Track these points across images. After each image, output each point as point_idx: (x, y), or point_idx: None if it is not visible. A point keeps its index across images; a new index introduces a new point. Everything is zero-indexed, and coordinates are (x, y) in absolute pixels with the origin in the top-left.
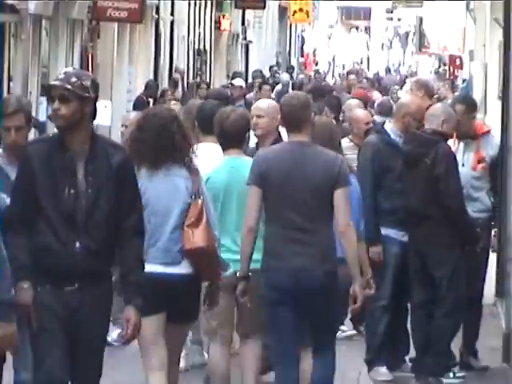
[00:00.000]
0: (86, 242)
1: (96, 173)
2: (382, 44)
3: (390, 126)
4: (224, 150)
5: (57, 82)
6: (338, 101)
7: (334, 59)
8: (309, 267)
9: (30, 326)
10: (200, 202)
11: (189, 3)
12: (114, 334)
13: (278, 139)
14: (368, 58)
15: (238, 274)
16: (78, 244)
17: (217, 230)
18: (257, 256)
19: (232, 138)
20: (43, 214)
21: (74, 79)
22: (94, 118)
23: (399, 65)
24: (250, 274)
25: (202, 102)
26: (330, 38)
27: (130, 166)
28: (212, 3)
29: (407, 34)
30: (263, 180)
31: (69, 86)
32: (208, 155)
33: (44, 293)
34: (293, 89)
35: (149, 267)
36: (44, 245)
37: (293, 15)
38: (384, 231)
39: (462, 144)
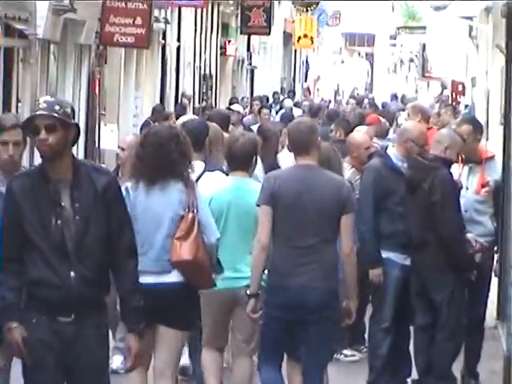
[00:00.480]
0: (80, 270)
1: (82, 199)
2: (388, 69)
3: (392, 151)
4: (231, 171)
5: (42, 112)
6: (348, 123)
7: (338, 86)
8: (312, 285)
9: (23, 364)
10: (191, 215)
11: (195, 29)
12: (116, 360)
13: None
14: (372, 84)
15: (247, 292)
16: (72, 274)
17: (214, 236)
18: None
19: (239, 161)
20: (34, 247)
21: (57, 107)
22: (73, 144)
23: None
24: (259, 292)
25: (187, 120)
26: (335, 64)
27: (116, 187)
28: (218, 29)
29: (411, 59)
30: (274, 200)
31: (55, 115)
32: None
33: (39, 325)
34: (310, 112)
35: (140, 279)
36: (38, 277)
37: (297, 41)
38: (385, 254)
39: (466, 168)
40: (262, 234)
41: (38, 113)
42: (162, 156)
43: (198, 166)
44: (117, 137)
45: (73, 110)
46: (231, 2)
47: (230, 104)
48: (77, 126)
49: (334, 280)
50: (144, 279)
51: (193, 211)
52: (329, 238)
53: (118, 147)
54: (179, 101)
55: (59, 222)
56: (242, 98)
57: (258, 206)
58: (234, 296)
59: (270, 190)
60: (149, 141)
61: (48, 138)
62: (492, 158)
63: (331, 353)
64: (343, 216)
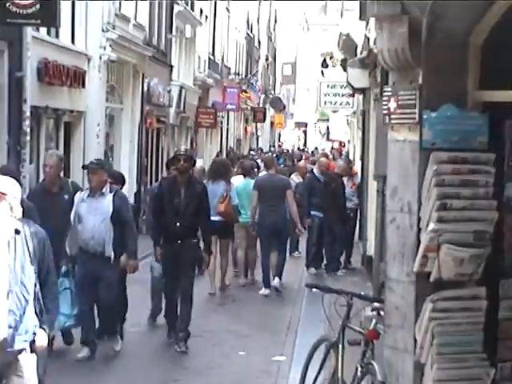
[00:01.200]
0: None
1: (191, 193)
2: (313, 136)
3: (315, 170)
4: (244, 176)
5: (182, 152)
6: (293, 158)
7: (293, 144)
8: (277, 220)
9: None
10: (226, 194)
11: (234, 120)
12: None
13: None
14: (306, 142)
15: (249, 223)
16: (178, 224)
17: (235, 202)
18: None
19: (246, 172)
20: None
21: (185, 151)
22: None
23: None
24: (254, 223)
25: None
26: (292, 134)
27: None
28: (243, 120)
29: (322, 132)
30: (259, 188)
31: (188, 153)
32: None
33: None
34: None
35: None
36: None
37: (276, 125)
38: (313, 212)
39: (345, 178)
40: (253, 202)
41: (181, 153)
42: (220, 170)
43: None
44: (202, 163)
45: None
46: (249, 109)
47: (250, 151)
48: (190, 162)
49: (284, 217)
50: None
51: (227, 192)
52: (282, 201)
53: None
54: (228, 150)
55: (178, 200)
56: (255, 148)
57: (253, 190)
58: (245, 226)
59: (257, 184)
60: (216, 162)
61: (184, 164)
62: (356, 173)
63: (286, 242)
64: (287, 191)
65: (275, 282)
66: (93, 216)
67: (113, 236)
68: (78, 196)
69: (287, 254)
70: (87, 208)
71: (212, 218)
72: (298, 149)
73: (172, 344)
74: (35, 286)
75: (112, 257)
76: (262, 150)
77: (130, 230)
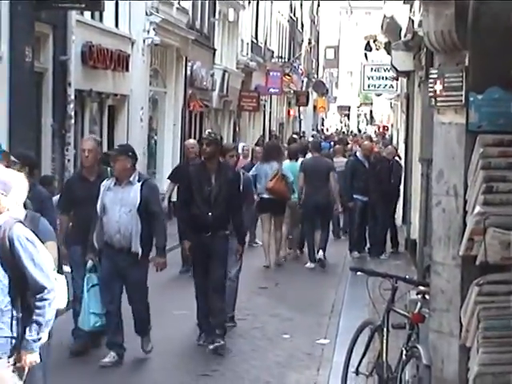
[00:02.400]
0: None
1: (222, 181)
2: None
3: (358, 153)
4: (290, 159)
5: (206, 136)
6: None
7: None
8: (320, 199)
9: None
10: (277, 172)
11: (277, 103)
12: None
13: None
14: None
15: (295, 202)
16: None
17: (290, 179)
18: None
19: (292, 155)
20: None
21: (212, 135)
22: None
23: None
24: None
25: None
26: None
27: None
28: (285, 103)
29: (365, 115)
30: (305, 170)
31: (210, 138)
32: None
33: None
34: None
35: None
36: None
37: (318, 109)
38: (355, 196)
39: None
40: (300, 181)
41: (203, 136)
42: (272, 152)
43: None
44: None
45: (221, 139)
46: (292, 92)
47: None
48: (216, 144)
49: (327, 197)
50: (264, 195)
51: (278, 171)
52: (325, 182)
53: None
54: (270, 133)
55: (209, 189)
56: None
57: (300, 171)
58: (289, 205)
59: (303, 165)
60: (269, 144)
61: (207, 148)
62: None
63: (329, 221)
64: (330, 173)
65: (320, 254)
66: (118, 207)
67: (140, 230)
68: (104, 184)
69: (338, 236)
70: (113, 198)
71: (266, 196)
72: (343, 133)
73: (203, 346)
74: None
75: (140, 253)
76: (304, 134)
77: (159, 224)
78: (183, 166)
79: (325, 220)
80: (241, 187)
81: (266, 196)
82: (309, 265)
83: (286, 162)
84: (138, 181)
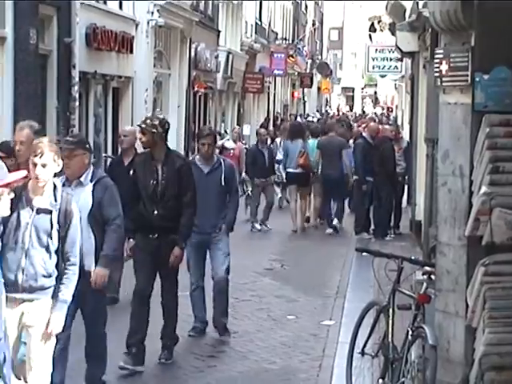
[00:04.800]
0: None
1: (169, 172)
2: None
3: (365, 134)
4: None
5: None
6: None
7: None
8: (334, 174)
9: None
10: (303, 150)
11: (281, 85)
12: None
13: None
14: (353, 107)
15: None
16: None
17: (313, 158)
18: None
19: (314, 134)
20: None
21: (148, 121)
22: (166, 139)
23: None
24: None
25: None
26: (339, 100)
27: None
28: (290, 85)
29: (370, 97)
30: (321, 147)
31: (143, 125)
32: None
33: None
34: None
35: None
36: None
37: (322, 90)
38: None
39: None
40: (317, 157)
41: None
42: (297, 131)
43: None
44: (249, 129)
45: (162, 123)
46: (296, 74)
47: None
48: (153, 132)
49: (340, 172)
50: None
51: (304, 149)
52: (339, 158)
53: (119, 136)
54: (276, 114)
55: (154, 183)
56: (302, 114)
57: (317, 148)
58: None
59: (320, 143)
60: (293, 124)
61: (142, 137)
62: (402, 137)
63: (343, 193)
64: (343, 151)
65: (334, 222)
66: None
67: (95, 243)
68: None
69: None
70: None
71: (292, 170)
72: (360, 115)
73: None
74: None
75: (92, 270)
76: (308, 116)
77: (112, 233)
78: (116, 162)
79: (339, 192)
80: (222, 179)
81: (292, 170)
82: (328, 231)
83: (311, 140)
84: (91, 180)
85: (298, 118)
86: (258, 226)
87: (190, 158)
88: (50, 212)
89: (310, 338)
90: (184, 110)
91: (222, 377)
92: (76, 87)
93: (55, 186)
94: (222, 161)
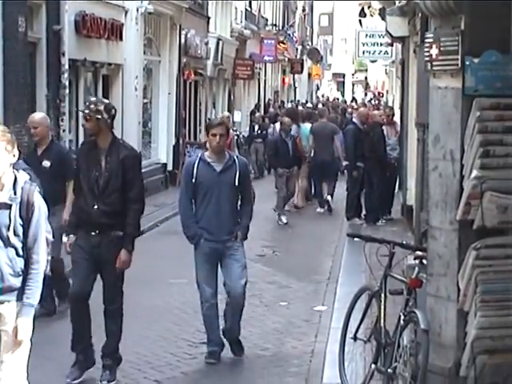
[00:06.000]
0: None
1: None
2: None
3: (356, 120)
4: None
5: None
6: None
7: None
8: (326, 157)
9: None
10: (297, 135)
11: (271, 71)
12: None
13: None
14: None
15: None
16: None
17: (305, 143)
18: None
19: (305, 119)
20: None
21: (92, 106)
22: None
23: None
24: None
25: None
26: (329, 86)
27: (133, 158)
28: (280, 71)
29: (361, 82)
30: (314, 132)
31: (86, 111)
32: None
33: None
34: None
35: None
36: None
37: (313, 76)
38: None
39: (388, 127)
40: (310, 141)
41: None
42: (291, 117)
43: None
44: (240, 116)
45: (107, 108)
46: (286, 60)
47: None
48: (97, 118)
49: (331, 155)
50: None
51: (298, 134)
52: (330, 143)
53: (30, 127)
54: (268, 101)
55: (97, 174)
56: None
57: (310, 133)
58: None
59: (313, 128)
60: (288, 110)
61: (85, 124)
62: (395, 122)
63: (335, 174)
64: (334, 136)
65: (328, 197)
66: None
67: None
68: None
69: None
70: None
71: None
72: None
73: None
74: None
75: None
76: (298, 102)
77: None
78: (30, 155)
79: (330, 173)
80: (236, 179)
81: None
82: (318, 210)
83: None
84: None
85: (290, 104)
86: (284, 219)
87: (199, 155)
88: (10, 206)
89: (302, 324)
90: (174, 96)
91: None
92: (66, 75)
93: (16, 178)
94: (235, 157)
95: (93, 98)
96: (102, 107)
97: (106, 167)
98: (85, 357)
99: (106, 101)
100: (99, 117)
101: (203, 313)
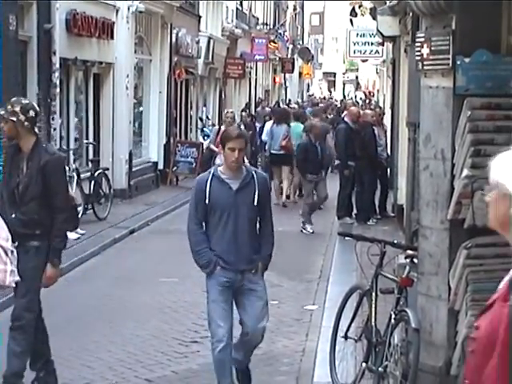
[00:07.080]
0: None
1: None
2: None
3: (347, 119)
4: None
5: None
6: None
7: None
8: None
9: None
10: (286, 134)
11: (262, 70)
12: None
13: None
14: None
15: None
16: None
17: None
18: None
19: (297, 119)
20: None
21: (9, 107)
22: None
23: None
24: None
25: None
26: (320, 85)
27: (55, 163)
28: (271, 70)
29: (352, 81)
30: (308, 129)
31: (1, 112)
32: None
33: None
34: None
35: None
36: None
37: (304, 76)
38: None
39: (379, 127)
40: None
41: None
42: (282, 116)
43: None
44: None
45: (25, 109)
46: (277, 59)
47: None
48: (13, 121)
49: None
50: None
51: (287, 133)
52: (323, 141)
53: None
54: (258, 100)
55: (17, 180)
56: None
57: (303, 132)
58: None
59: (305, 128)
60: (278, 109)
61: (3, 126)
62: (384, 123)
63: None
64: (327, 135)
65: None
66: None
67: None
68: None
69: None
70: None
71: (276, 152)
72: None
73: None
74: None
75: None
76: (290, 102)
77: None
78: None
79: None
80: (256, 198)
81: (275, 152)
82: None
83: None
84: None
85: (281, 104)
86: (309, 228)
87: (211, 170)
88: None
89: (293, 323)
90: (165, 95)
91: (205, 362)
92: (57, 74)
93: None
94: (253, 173)
95: (13, 99)
96: (17, 108)
97: (26, 173)
98: (46, 373)
99: (26, 101)
100: (14, 119)
101: (215, 356)
